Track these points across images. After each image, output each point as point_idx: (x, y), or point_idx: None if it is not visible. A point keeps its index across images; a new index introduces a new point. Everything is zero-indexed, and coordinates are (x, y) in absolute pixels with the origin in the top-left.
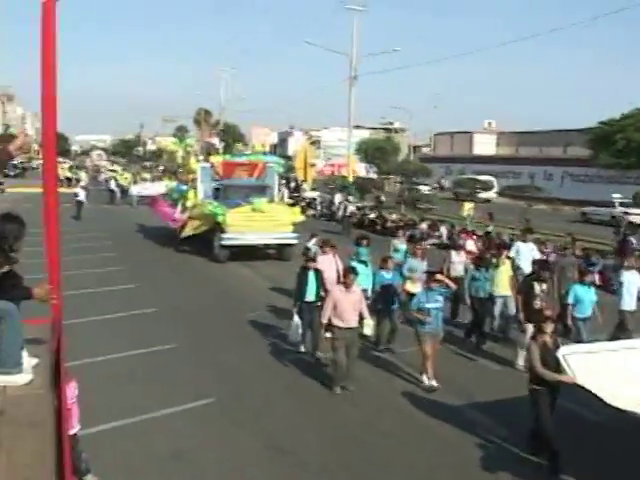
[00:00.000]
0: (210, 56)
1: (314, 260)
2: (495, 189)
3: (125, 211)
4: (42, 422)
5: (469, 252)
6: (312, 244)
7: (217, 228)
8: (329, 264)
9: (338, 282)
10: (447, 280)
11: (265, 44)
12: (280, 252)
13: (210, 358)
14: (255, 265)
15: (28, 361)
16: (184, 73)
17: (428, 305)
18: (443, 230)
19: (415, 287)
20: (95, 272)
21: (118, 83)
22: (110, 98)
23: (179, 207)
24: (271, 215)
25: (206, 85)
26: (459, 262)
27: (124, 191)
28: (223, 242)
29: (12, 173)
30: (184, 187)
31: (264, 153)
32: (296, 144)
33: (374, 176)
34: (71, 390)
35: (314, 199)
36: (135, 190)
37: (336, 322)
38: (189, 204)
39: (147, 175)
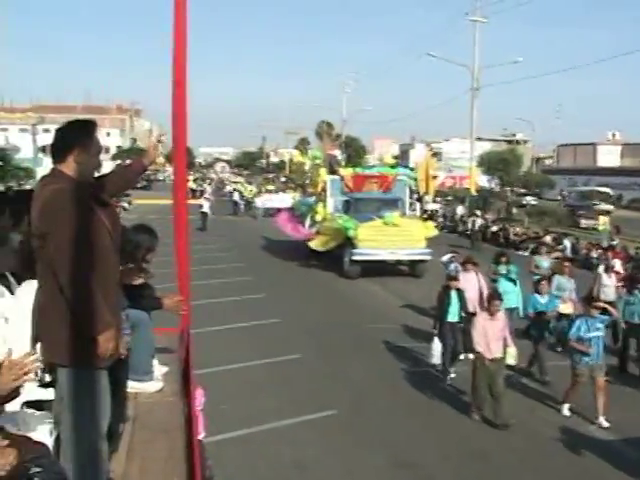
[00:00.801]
0: (331, 70)
1: (456, 279)
2: (612, 201)
3: (249, 223)
4: (173, 429)
5: (616, 272)
6: (447, 259)
7: (347, 243)
8: (471, 283)
9: (481, 304)
10: (609, 307)
11: (386, 57)
12: (412, 268)
13: (334, 370)
14: (385, 281)
15: (159, 369)
16: (306, 87)
17: (589, 334)
18: (566, 243)
19: (566, 308)
20: (222, 282)
21: (240, 96)
22: (232, 111)
23: (307, 221)
24: (404, 230)
25: (327, 98)
26: (611, 285)
27: (248, 203)
28: (354, 257)
29: (139, 185)
30: (311, 200)
31: (394, 165)
32: (418, 156)
33: (496, 188)
34: (198, 398)
35: (436, 211)
36: (260, 202)
37: (481, 351)
38: (318, 218)
39: (271, 187)
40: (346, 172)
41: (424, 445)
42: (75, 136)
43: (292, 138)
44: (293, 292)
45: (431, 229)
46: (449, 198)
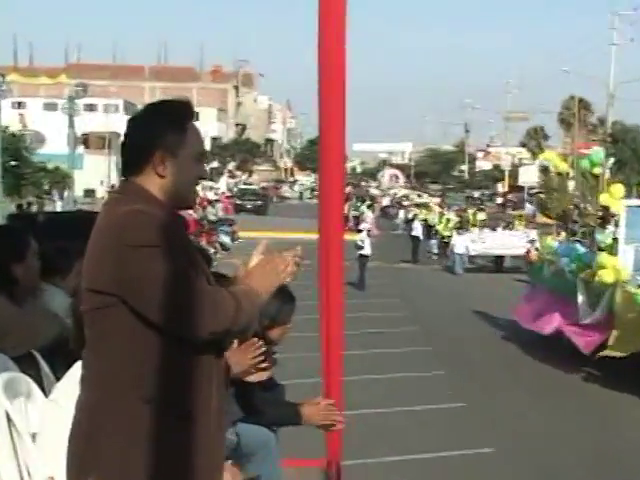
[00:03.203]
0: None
1: None
2: None
3: (441, 279)
4: None
5: None
6: None
7: None
8: None
9: None
10: None
11: None
12: None
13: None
14: None
15: None
16: (529, 43)
17: None
18: None
19: None
20: (394, 380)
21: (416, 66)
22: (405, 87)
23: (580, 298)
24: None
25: (573, 59)
26: None
27: (441, 242)
28: None
29: (249, 205)
30: (579, 248)
31: None
32: None
33: None
34: None
35: None
36: (462, 243)
37: None
38: (603, 281)
39: (482, 216)
40: None
41: None
42: (157, 132)
43: (515, 128)
44: (497, 380)
45: None
46: None
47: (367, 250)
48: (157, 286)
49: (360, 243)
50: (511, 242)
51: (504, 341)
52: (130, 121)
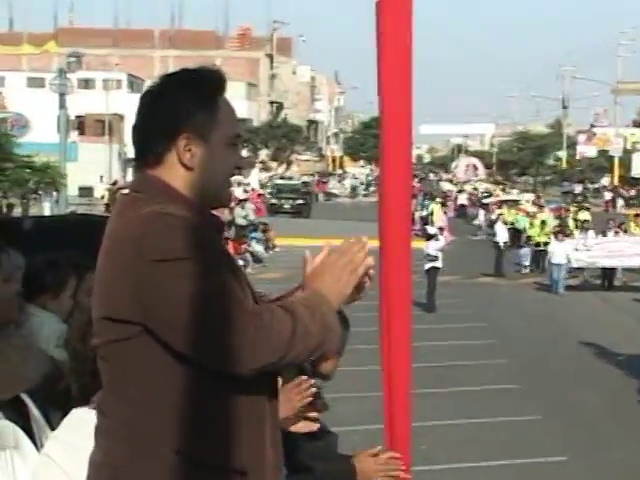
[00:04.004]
0: None
1: None
2: None
3: (535, 300)
4: None
5: None
6: None
7: None
8: None
9: None
10: None
11: None
12: None
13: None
14: None
15: None
16: None
17: None
18: None
19: None
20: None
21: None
22: (487, 52)
23: None
24: None
25: None
26: None
27: (536, 250)
28: None
29: (287, 206)
30: None
31: None
32: None
33: None
34: None
35: None
36: (561, 252)
37: None
38: None
39: (586, 216)
40: None
41: None
42: (180, 109)
43: (629, 103)
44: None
45: None
46: None
47: (438, 261)
48: (189, 310)
49: (433, 252)
50: (626, 250)
51: (620, 381)
52: (144, 97)
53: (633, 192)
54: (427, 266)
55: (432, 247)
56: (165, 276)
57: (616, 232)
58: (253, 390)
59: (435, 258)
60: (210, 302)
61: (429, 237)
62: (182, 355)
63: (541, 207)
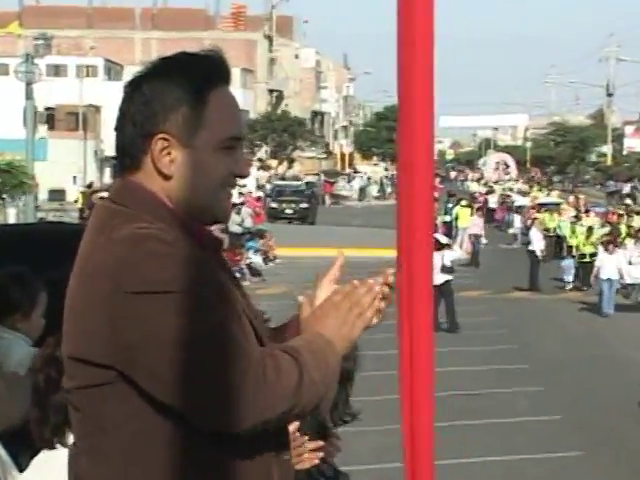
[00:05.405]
0: None
1: None
2: None
3: (578, 318)
4: None
5: None
6: None
7: None
8: None
9: None
10: None
11: None
12: None
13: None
14: None
15: None
16: None
17: None
18: None
19: None
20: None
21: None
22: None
23: None
24: None
25: None
26: None
27: (580, 262)
28: None
29: (289, 210)
30: None
31: None
32: None
33: None
34: None
35: None
36: (611, 265)
37: None
38: None
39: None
40: None
41: None
42: (157, 104)
43: None
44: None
45: None
46: None
47: (445, 274)
48: (174, 353)
49: (448, 264)
50: None
51: None
52: (126, 86)
53: None
54: (441, 280)
55: (448, 257)
56: (146, 312)
57: None
58: (256, 446)
59: (451, 270)
60: (201, 344)
61: (441, 247)
62: (167, 407)
63: (587, 212)
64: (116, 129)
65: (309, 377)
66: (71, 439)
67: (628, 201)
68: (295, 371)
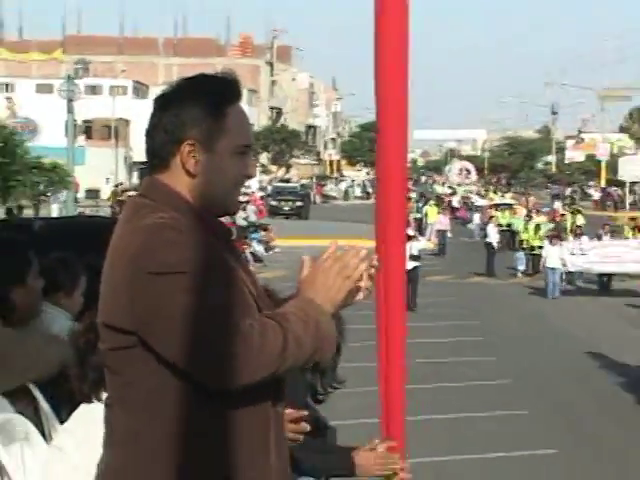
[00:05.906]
0: None
1: None
2: None
3: (527, 301)
4: None
5: None
6: None
7: None
8: None
9: None
10: None
11: None
12: None
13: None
14: None
15: None
16: None
17: None
18: None
19: None
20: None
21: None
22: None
23: None
24: None
25: None
26: None
27: (531, 254)
28: None
29: (286, 207)
30: None
31: None
32: None
33: None
34: None
35: None
36: (555, 256)
37: None
38: None
39: (581, 220)
40: None
41: None
42: (185, 115)
43: (615, 109)
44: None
45: None
46: None
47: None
48: (181, 324)
49: (416, 252)
50: (624, 256)
51: (618, 396)
52: (156, 101)
53: (620, 192)
54: (410, 266)
55: (415, 247)
56: (160, 289)
57: (611, 235)
58: (255, 398)
59: (418, 257)
60: (202, 318)
61: (409, 238)
62: (177, 368)
63: (537, 211)
64: (147, 136)
65: (296, 340)
66: (105, 395)
67: (568, 201)
68: (281, 337)
